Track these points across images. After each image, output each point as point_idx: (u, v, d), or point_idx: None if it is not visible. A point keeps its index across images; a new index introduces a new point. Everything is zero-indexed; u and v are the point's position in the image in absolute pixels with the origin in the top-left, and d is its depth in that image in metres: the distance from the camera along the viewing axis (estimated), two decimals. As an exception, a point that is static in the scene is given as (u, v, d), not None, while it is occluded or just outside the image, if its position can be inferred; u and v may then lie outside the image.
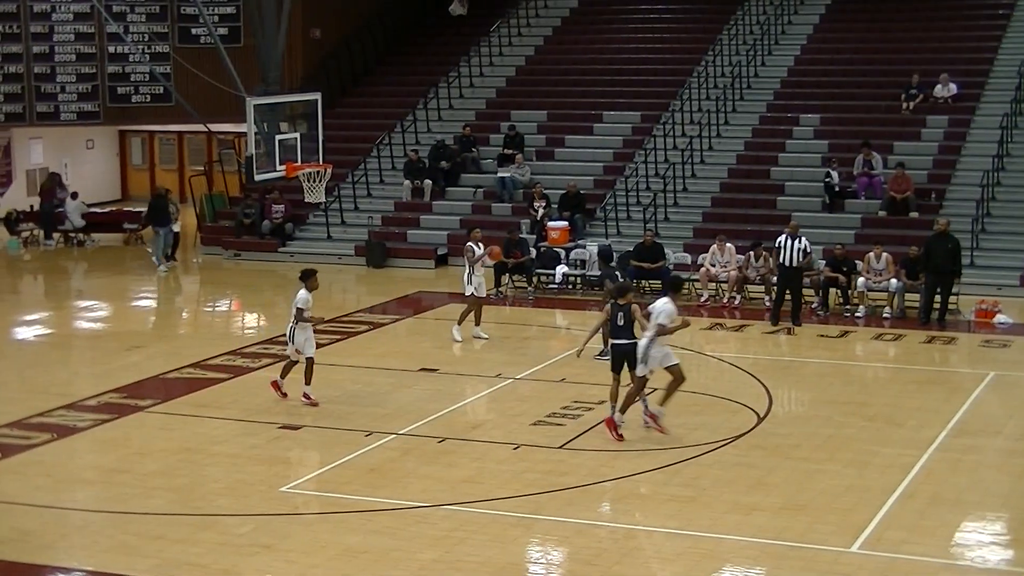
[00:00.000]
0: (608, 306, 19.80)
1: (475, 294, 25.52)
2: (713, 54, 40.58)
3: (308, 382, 20.84)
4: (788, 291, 27.46)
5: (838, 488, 17.22)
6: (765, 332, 27.00)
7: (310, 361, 20.84)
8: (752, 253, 29.81)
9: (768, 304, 28.85)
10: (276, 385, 21.20)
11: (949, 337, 26.49)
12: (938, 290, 27.47)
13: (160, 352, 25.13)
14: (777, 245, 27.63)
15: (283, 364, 21.53)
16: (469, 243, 25.97)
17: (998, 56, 38.49)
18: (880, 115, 36.93)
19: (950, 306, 27.77)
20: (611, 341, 19.66)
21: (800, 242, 27.49)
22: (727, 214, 34.33)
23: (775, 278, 28.24)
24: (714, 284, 30.17)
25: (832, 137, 36.32)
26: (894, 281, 28.46)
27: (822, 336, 26.70)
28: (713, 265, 30.13)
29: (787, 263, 27.39)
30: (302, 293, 20.76)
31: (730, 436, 19.34)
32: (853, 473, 17.82)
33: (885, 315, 28.28)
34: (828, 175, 33.90)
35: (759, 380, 22.54)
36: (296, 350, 20.89)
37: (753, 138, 37.44)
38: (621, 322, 19.23)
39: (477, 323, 25.77)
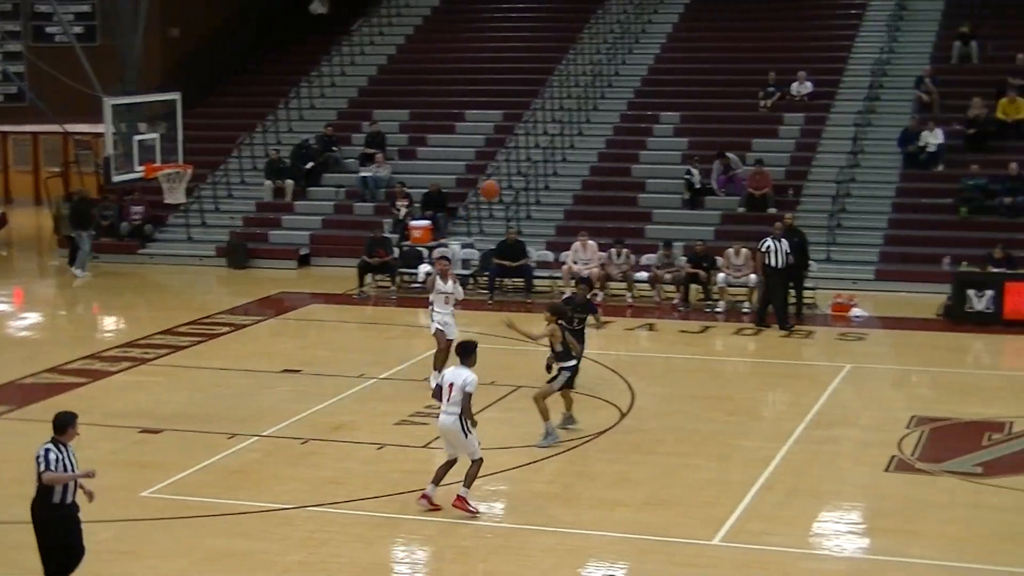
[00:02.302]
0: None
1: (440, 332, 21.68)
2: (574, 53, 40.82)
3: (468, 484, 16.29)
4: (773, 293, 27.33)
5: (700, 482, 17.42)
6: (626, 329, 27.21)
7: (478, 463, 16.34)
8: (614, 250, 30.06)
9: (631, 301, 29.19)
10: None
11: (806, 331, 26.93)
12: (791, 284, 27.89)
13: (16, 357, 24.65)
14: (764, 248, 27.38)
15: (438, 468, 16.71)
16: (433, 273, 22.54)
17: (851, 54, 39.21)
18: (738, 113, 37.40)
19: (806, 300, 28.24)
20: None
21: (783, 244, 27.55)
22: (589, 212, 34.56)
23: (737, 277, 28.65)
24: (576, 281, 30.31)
25: (692, 135, 36.73)
26: (753, 276, 28.84)
27: (683, 332, 26.97)
28: (575, 262, 30.29)
29: (774, 264, 27.25)
30: (468, 375, 16.13)
31: (593, 432, 19.46)
32: (715, 467, 18.05)
33: (745, 310, 28.67)
34: (689, 172, 34.26)
35: (621, 376, 22.70)
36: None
37: (614, 136, 37.74)
38: (560, 348, 18.95)
39: (436, 367, 21.58)
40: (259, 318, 28.61)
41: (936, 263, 30.05)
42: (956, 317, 27.26)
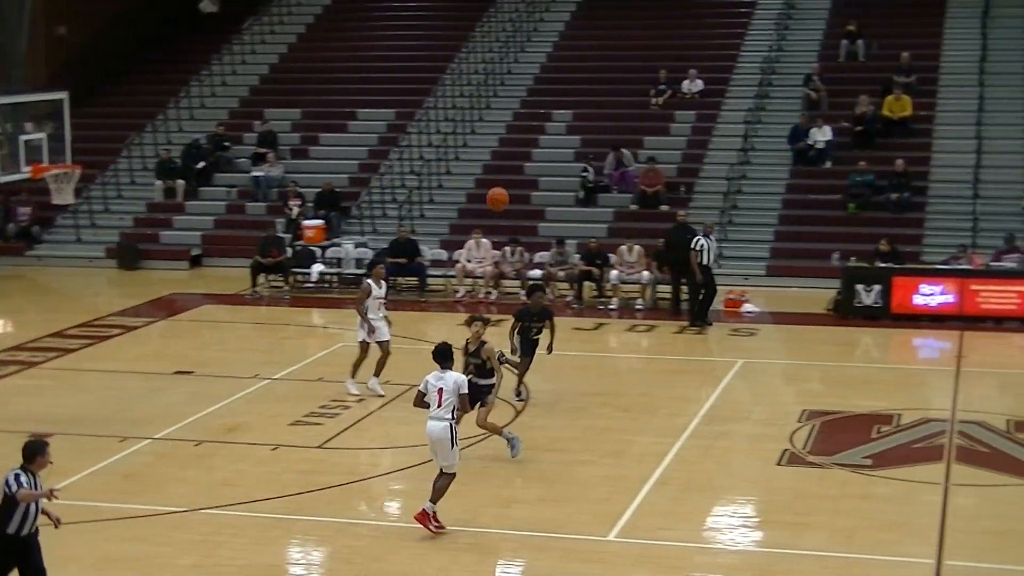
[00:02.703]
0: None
1: (367, 339, 21.44)
2: (466, 51, 40.85)
3: None
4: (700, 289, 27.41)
5: (595, 478, 17.50)
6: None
7: None
8: (507, 248, 30.15)
9: (524, 297, 29.24)
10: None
11: (699, 327, 27.12)
12: (683, 281, 28.12)
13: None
14: (698, 247, 27.37)
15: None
16: (369, 280, 21.92)
17: (741, 52, 39.60)
18: (630, 111, 37.65)
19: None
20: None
21: (713, 242, 27.69)
22: (482, 210, 34.35)
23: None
24: (470, 280, 30.37)
25: (584, 133, 36.90)
26: (646, 273, 29.08)
27: (577, 329, 27.07)
28: (469, 261, 30.33)
29: (706, 262, 27.36)
30: (458, 376, 15.89)
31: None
32: (610, 463, 18.15)
33: (638, 307, 28.87)
34: (585, 170, 34.40)
35: (517, 374, 22.71)
36: None
37: (507, 134, 37.82)
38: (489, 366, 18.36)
39: (376, 373, 21.57)
40: (150, 320, 28.31)
41: (826, 258, 30.46)
42: (845, 311, 27.65)
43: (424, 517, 15.16)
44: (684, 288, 28.09)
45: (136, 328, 27.26)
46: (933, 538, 15.20)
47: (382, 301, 21.70)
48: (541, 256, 30.71)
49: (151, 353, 25.08)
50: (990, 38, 38.46)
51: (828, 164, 34.63)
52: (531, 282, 27.21)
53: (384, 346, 21.50)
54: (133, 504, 16.45)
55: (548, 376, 23.19)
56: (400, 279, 30.65)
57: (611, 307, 28.96)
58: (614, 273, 29.30)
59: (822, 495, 16.76)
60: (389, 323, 21.82)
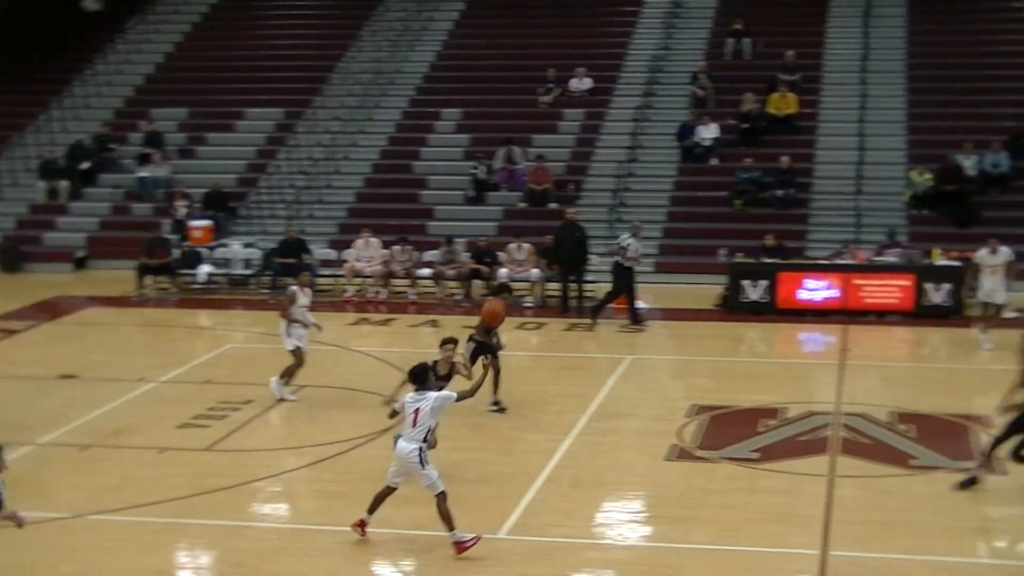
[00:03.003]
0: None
1: (300, 347, 21.22)
2: (355, 50, 40.73)
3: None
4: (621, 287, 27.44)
5: (485, 476, 17.52)
6: (410, 326, 27.26)
7: None
8: (397, 247, 30.11)
9: (414, 297, 29.25)
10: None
11: (588, 324, 27.26)
12: (572, 278, 28.25)
13: None
14: (623, 244, 27.42)
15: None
16: (294, 288, 21.61)
17: (628, 51, 39.86)
18: (519, 109, 37.76)
19: (588, 293, 28.63)
20: None
21: (639, 241, 27.73)
22: (371, 209, 34.50)
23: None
24: (359, 279, 30.29)
25: (473, 131, 36.93)
26: (535, 271, 29.17)
27: (467, 327, 26.99)
28: (358, 260, 30.24)
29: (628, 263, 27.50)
30: (441, 392, 15.56)
31: (378, 430, 19.42)
32: (499, 460, 18.19)
33: (527, 304, 28.94)
34: (475, 168, 34.43)
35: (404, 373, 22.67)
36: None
37: (396, 133, 37.76)
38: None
39: (283, 375, 21.30)
40: (33, 323, 27.88)
41: (713, 255, 30.74)
42: (732, 307, 27.94)
43: (458, 547, 14.62)
44: (573, 285, 28.24)
45: (18, 332, 26.86)
46: (818, 529, 15.40)
47: (307, 308, 21.42)
48: (430, 255, 30.71)
49: (34, 357, 24.71)
50: (871, 37, 39.08)
51: (715, 161, 34.98)
52: (498, 283, 27.17)
53: (300, 355, 21.18)
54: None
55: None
56: (289, 279, 30.43)
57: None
58: (503, 271, 29.36)
59: (710, 489, 16.91)
60: (319, 328, 21.62)
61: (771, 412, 20.32)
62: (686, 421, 19.92)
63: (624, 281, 27.24)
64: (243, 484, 17.08)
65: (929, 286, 27.51)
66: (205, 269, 31.11)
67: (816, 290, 27.86)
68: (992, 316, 24.97)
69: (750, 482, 17.24)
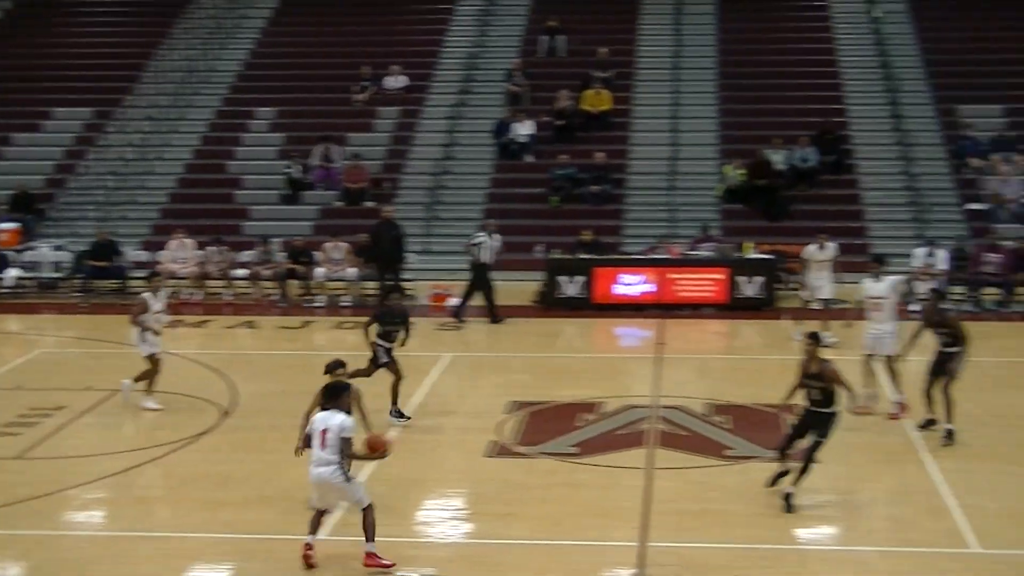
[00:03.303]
0: None
1: (155, 354, 20.58)
2: (166, 48, 40.11)
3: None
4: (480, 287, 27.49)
5: (304, 477, 17.30)
6: (226, 327, 26.96)
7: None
8: (212, 248, 29.78)
9: (230, 298, 28.95)
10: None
11: (456, 324, 27.21)
12: (390, 276, 28.21)
13: None
14: (476, 242, 27.49)
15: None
16: (145, 294, 20.97)
17: (443, 48, 39.91)
18: (334, 107, 37.56)
19: (405, 291, 28.54)
20: None
21: (495, 239, 27.69)
22: (185, 209, 34.02)
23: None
24: (174, 280, 29.85)
25: (288, 130, 36.65)
26: (352, 270, 29.05)
27: (283, 328, 26.89)
28: (173, 261, 29.81)
29: (484, 260, 27.49)
30: (344, 419, 14.42)
31: (197, 433, 19.18)
32: (319, 461, 18.02)
33: (344, 303, 28.81)
34: (289, 167, 34.15)
35: (223, 375, 22.44)
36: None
37: (210, 132, 37.30)
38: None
39: (142, 383, 20.66)
40: None
41: (529, 251, 30.89)
42: (549, 303, 28.13)
43: (371, 559, 14.24)
44: (391, 283, 28.18)
45: None
46: (637, 521, 15.57)
47: (161, 313, 20.92)
48: (246, 255, 30.39)
49: None
50: (683, 34, 39.71)
51: (530, 158, 35.19)
52: (387, 282, 26.85)
53: (158, 361, 20.63)
54: None
55: (255, 376, 22.97)
56: (100, 282, 29.91)
57: (317, 305, 28.84)
58: (320, 271, 29.19)
59: (530, 484, 16.99)
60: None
61: (589, 407, 20.50)
62: (505, 418, 20.00)
63: (480, 279, 27.34)
64: (57, 492, 16.69)
65: (742, 279, 28.03)
66: (13, 273, 30.37)
67: (632, 285, 28.21)
68: (811, 311, 25.14)
69: (569, 476, 17.37)
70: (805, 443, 16.02)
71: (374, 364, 19.98)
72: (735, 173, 33.41)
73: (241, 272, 29.94)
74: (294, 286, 29.42)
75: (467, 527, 15.89)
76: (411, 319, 20.53)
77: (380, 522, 14.80)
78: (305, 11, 41.99)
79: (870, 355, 20.02)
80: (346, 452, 14.13)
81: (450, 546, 15.19)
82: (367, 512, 14.29)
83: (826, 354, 16.34)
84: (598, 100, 36.24)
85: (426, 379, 22.41)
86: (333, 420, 14.24)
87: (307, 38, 40.77)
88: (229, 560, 14.71)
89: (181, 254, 29.92)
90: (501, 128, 35.48)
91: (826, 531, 15.58)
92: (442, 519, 16.01)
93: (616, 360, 25.24)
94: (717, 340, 26.82)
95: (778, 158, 33.84)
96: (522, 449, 18.50)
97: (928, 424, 19.01)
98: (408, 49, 39.86)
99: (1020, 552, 14.75)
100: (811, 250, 25.49)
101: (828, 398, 15.81)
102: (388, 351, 20.00)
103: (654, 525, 15.46)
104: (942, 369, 18.72)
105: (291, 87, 38.53)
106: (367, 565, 14.24)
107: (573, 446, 18.62)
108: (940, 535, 15.22)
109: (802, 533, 15.28)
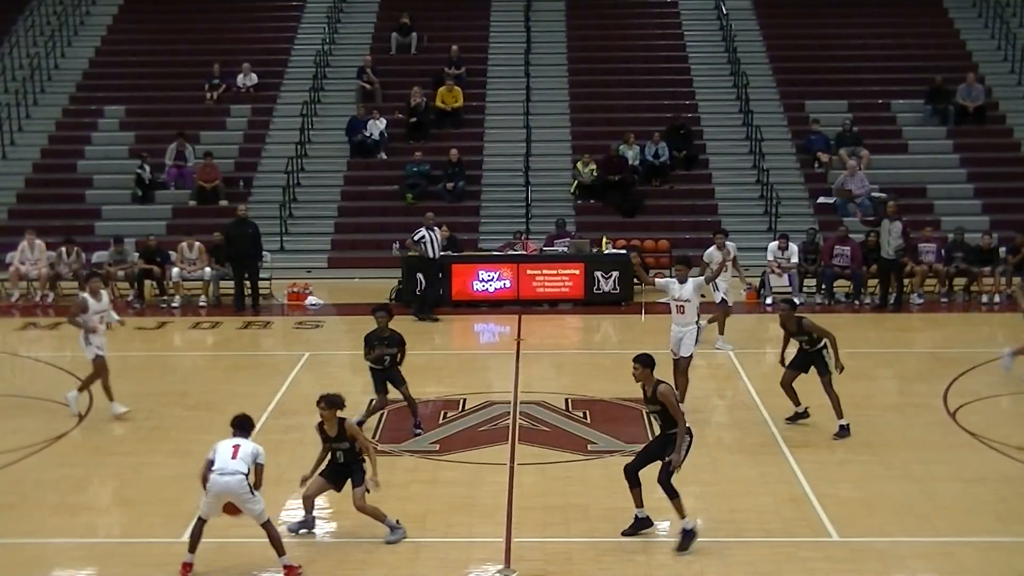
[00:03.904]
0: None
1: (100, 355, 20.19)
2: (9, 45, 39.31)
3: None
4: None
5: (163, 479, 17.18)
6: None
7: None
8: (63, 248, 29.26)
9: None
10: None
11: (264, 321, 27.06)
12: (246, 275, 27.99)
13: None
14: (417, 238, 27.38)
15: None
16: (83, 295, 20.55)
17: (295, 46, 39.71)
18: (185, 105, 37.14)
19: (262, 290, 28.39)
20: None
21: (438, 234, 27.56)
22: (34, 210, 33.41)
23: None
24: (25, 282, 29.32)
25: (138, 128, 36.17)
26: (207, 270, 28.75)
27: (140, 328, 26.50)
28: (23, 263, 29.24)
29: (431, 255, 27.32)
30: (256, 446, 14.59)
31: (52, 437, 18.86)
32: (178, 463, 17.82)
33: (201, 303, 28.53)
34: (141, 167, 33.68)
35: (78, 378, 22.04)
36: None
37: (57, 131, 36.67)
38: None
39: (102, 389, 20.29)
40: None
41: (386, 248, 30.84)
42: (408, 300, 28.07)
43: (289, 571, 14.12)
44: (247, 283, 27.97)
45: None
46: (501, 517, 15.65)
47: (103, 314, 20.40)
48: (99, 255, 29.92)
49: None
50: (534, 31, 39.90)
51: (384, 155, 35.12)
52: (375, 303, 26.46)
53: (100, 364, 20.10)
54: None
55: (114, 378, 22.59)
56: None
57: (174, 305, 28.50)
58: (175, 270, 28.84)
59: (392, 482, 16.91)
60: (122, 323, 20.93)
61: (451, 403, 20.54)
62: (365, 416, 19.89)
63: (428, 272, 27.43)
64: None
65: (599, 274, 28.24)
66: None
67: (489, 281, 28.29)
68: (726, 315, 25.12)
69: (432, 474, 17.39)
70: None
71: (379, 392, 19.29)
72: (588, 169, 33.67)
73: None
74: (150, 286, 29.02)
75: (330, 527, 15.82)
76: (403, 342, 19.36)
77: (238, 522, 14.66)
78: (153, 7, 41.46)
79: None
80: (257, 478, 14.26)
81: (313, 546, 15.11)
82: (269, 527, 14.27)
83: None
84: (451, 97, 36.29)
85: (286, 379, 22.25)
86: (245, 443, 14.38)
87: (155, 35, 40.27)
88: (89, 566, 14.51)
89: (31, 255, 29.34)
90: (354, 125, 35.36)
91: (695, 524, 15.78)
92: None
93: (476, 356, 25.29)
94: (575, 335, 26.99)
95: (631, 153, 34.18)
96: (384, 447, 18.44)
97: (796, 417, 19.36)
98: (259, 46, 39.58)
99: (876, 539, 15.09)
100: (711, 252, 24.55)
101: (669, 420, 14.90)
102: (383, 377, 19.20)
103: (519, 521, 15.55)
104: (802, 364, 19.07)
105: (141, 85, 38.04)
106: None
107: (434, 443, 18.64)
108: (799, 524, 15.52)
109: (670, 527, 15.44)
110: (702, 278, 20.67)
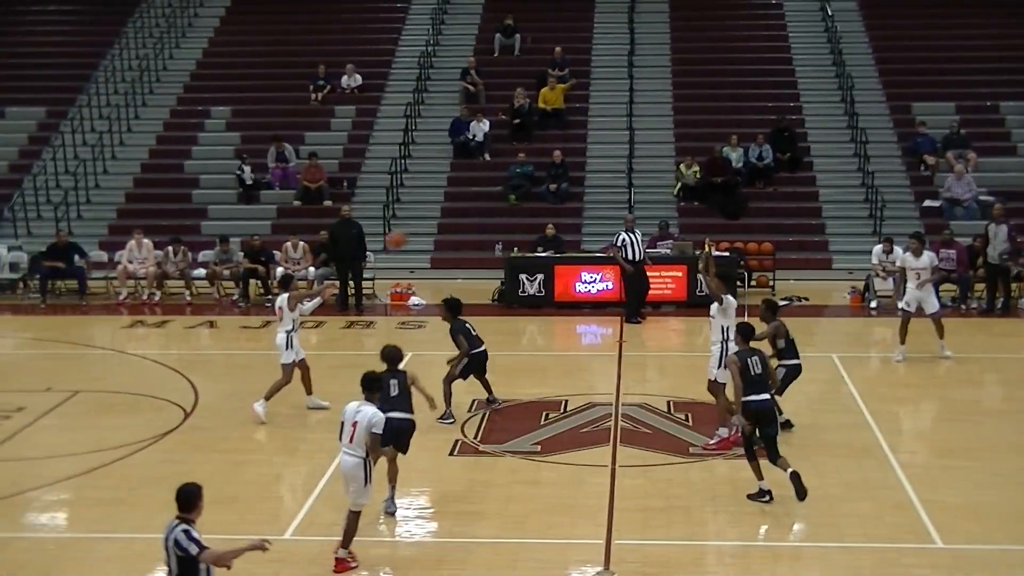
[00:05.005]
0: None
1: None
2: (119, 47, 39.92)
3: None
4: None
5: (267, 477, 17.37)
6: (186, 327, 26.86)
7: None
8: (170, 248, 29.62)
9: (189, 299, 28.90)
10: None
11: (367, 321, 27.22)
12: (350, 276, 28.19)
13: None
14: (618, 244, 27.36)
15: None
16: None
17: (399, 47, 39.90)
18: (290, 106, 37.49)
19: (365, 290, 28.57)
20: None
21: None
22: (142, 209, 33.87)
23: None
24: (133, 281, 29.73)
25: (243, 129, 36.58)
26: (312, 269, 28.98)
27: (245, 327, 26.80)
28: (131, 262, 29.66)
29: (633, 259, 27.30)
30: (375, 413, 14.46)
31: (157, 434, 19.11)
32: (281, 461, 18.04)
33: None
34: (240, 169, 34.04)
35: (184, 376, 22.37)
36: None
37: (164, 132, 37.14)
38: (395, 391, 16.34)
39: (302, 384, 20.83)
40: None
41: (489, 249, 30.92)
42: (510, 301, 28.13)
43: (341, 565, 14.32)
44: (351, 283, 28.16)
45: None
46: (602, 519, 15.63)
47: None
48: (205, 255, 30.28)
49: None
50: (637, 32, 39.79)
51: (487, 156, 35.20)
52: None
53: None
54: None
55: (217, 376, 22.92)
56: (59, 283, 29.75)
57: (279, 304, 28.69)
58: (280, 270, 29.07)
59: (493, 483, 17.02)
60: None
61: (553, 405, 20.55)
62: (468, 416, 20.01)
63: (634, 277, 27.29)
64: (17, 495, 16.59)
65: (701, 276, 28.07)
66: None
67: (592, 283, 28.25)
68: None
69: (533, 475, 17.40)
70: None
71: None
72: (691, 171, 33.54)
73: (200, 272, 29.82)
74: (254, 286, 29.31)
75: (431, 526, 15.91)
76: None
77: (337, 521, 14.76)
78: (258, 9, 41.86)
79: None
80: (373, 447, 14.24)
81: (415, 545, 15.22)
82: (353, 517, 14.32)
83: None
84: (553, 97, 36.27)
85: (388, 378, 22.33)
86: (364, 414, 14.29)
87: (261, 36, 40.66)
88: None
89: (139, 254, 29.75)
90: (458, 126, 35.49)
91: (796, 528, 15.67)
92: (406, 518, 16.01)
93: (578, 358, 25.27)
94: (676, 337, 26.88)
95: (734, 155, 33.99)
96: (486, 448, 18.51)
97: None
98: (363, 48, 39.83)
99: (981, 547, 14.90)
100: (906, 257, 23.92)
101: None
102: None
103: (619, 522, 15.53)
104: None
105: (246, 86, 38.44)
106: (337, 572, 14.30)
107: (536, 444, 18.66)
108: (902, 530, 15.34)
109: (770, 531, 15.35)
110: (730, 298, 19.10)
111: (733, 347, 17.31)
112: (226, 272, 29.52)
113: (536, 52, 38.73)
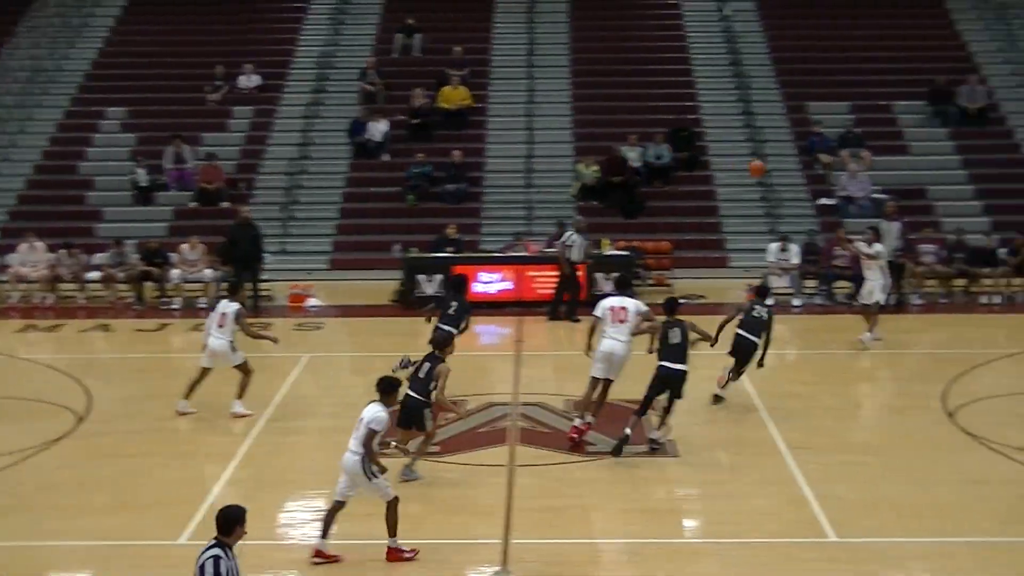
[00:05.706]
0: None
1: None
2: (11, 47, 39.33)
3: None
4: None
5: (165, 481, 17.19)
6: (80, 331, 26.54)
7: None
8: (64, 251, 29.28)
9: (83, 301, 28.53)
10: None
11: (265, 323, 26.99)
12: (248, 277, 28.00)
13: None
14: (568, 243, 27.45)
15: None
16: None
17: (297, 47, 39.68)
18: (187, 107, 37.12)
19: (263, 292, 28.40)
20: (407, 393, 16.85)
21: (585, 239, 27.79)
22: (36, 212, 33.38)
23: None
24: (24, 284, 29.34)
25: (140, 130, 36.16)
26: (208, 271, 28.76)
27: (140, 330, 26.54)
28: (23, 265, 29.26)
29: (575, 259, 27.53)
30: (379, 412, 14.75)
31: (50, 439, 18.85)
32: (178, 465, 17.87)
33: (201, 305, 28.52)
34: (134, 172, 33.64)
35: (77, 380, 22.09)
36: None
37: (59, 133, 36.67)
38: (423, 374, 17.30)
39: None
40: None
41: (387, 250, 30.84)
42: (408, 302, 28.06)
43: (394, 554, 14.46)
44: (248, 284, 27.98)
45: None
46: (499, 519, 15.64)
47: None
48: (99, 257, 29.93)
49: None
50: (536, 32, 39.89)
51: (386, 157, 35.11)
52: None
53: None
54: None
55: (112, 380, 22.70)
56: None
57: (174, 307, 28.50)
58: (175, 272, 28.85)
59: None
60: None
61: (451, 404, 20.47)
62: (366, 417, 19.89)
63: (570, 278, 27.47)
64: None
65: (600, 276, 28.21)
66: None
67: (490, 283, 28.28)
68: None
69: (431, 474, 17.35)
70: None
71: None
72: (590, 170, 33.66)
73: (94, 275, 29.46)
74: (149, 288, 29.03)
75: (331, 528, 15.78)
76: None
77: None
78: (155, 9, 41.41)
79: None
80: (367, 444, 14.37)
81: (308, 548, 15.09)
82: (392, 506, 14.50)
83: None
84: (456, 95, 36.22)
85: (285, 380, 22.26)
86: (369, 412, 14.56)
87: (157, 36, 40.19)
88: (87, 568, 14.54)
89: (31, 257, 29.35)
90: (356, 127, 35.36)
91: (694, 525, 15.79)
92: (304, 521, 15.91)
93: (477, 358, 25.23)
94: (575, 336, 26.91)
95: (633, 155, 34.15)
96: (385, 449, 18.41)
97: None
98: (261, 48, 39.55)
99: (876, 540, 15.10)
100: (860, 246, 25.17)
101: None
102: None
103: (517, 522, 15.55)
104: None
105: (142, 86, 38.01)
106: (390, 560, 14.43)
107: (434, 444, 18.60)
108: (798, 525, 15.50)
109: (667, 528, 15.44)
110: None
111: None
112: (121, 275, 29.20)
113: (436, 52, 38.67)
